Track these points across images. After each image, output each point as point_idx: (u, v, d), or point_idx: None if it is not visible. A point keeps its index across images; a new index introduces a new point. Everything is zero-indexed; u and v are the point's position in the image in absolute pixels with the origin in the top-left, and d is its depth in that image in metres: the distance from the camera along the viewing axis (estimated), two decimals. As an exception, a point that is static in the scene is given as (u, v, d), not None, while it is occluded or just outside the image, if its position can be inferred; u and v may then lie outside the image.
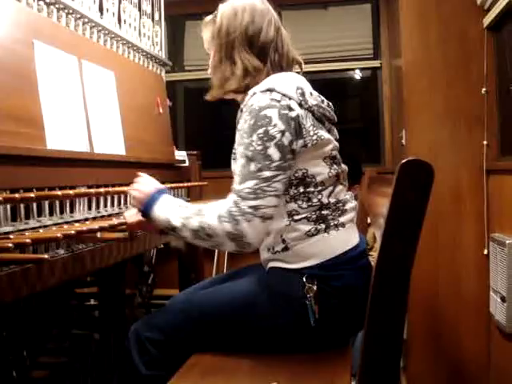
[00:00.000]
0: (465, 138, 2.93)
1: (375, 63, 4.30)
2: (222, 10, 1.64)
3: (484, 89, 2.88)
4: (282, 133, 1.43)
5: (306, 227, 1.51)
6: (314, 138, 1.49)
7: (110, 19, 2.52)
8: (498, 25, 2.79)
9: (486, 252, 2.81)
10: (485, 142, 2.86)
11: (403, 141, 3.13)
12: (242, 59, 1.57)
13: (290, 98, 1.48)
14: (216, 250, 3.94)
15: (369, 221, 2.61)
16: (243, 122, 1.49)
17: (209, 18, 1.69)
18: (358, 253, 1.57)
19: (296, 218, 1.51)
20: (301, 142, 1.47)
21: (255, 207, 1.40)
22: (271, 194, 1.41)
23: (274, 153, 1.42)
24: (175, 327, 1.57)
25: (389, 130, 4.17)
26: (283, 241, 1.52)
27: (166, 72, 3.24)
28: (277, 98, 1.47)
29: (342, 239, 1.54)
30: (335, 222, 1.53)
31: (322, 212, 1.51)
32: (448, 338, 2.95)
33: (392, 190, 1.10)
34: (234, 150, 1.60)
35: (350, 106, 4.83)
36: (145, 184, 1.60)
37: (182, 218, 1.47)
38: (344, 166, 1.63)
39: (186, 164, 3.00)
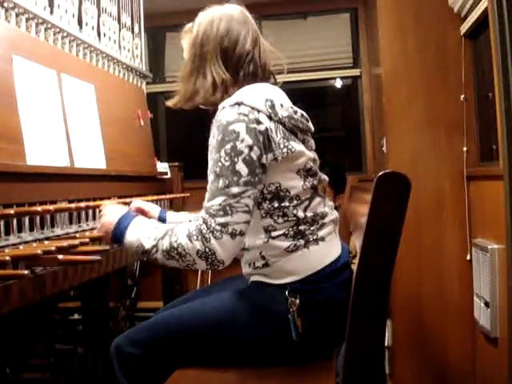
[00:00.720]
0: (445, 144, 2.96)
1: (355, 72, 4.33)
2: (200, 19, 1.62)
3: (462, 96, 2.91)
4: (250, 148, 1.40)
5: (284, 244, 1.49)
6: (284, 150, 1.46)
7: (89, 32, 2.52)
8: (475, 32, 2.82)
9: (468, 257, 2.83)
10: (464, 149, 2.89)
11: (384, 148, 3.16)
12: (212, 73, 1.55)
13: (258, 111, 1.44)
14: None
15: (351, 229, 2.61)
16: (212, 137, 1.47)
17: (188, 25, 1.67)
18: (339, 265, 1.55)
19: (273, 234, 1.49)
20: (270, 155, 1.44)
21: (224, 224, 1.37)
22: (240, 210, 1.39)
23: (241, 168, 1.39)
24: (158, 342, 1.54)
25: (370, 137, 4.19)
26: (263, 257, 1.51)
27: (147, 83, 3.24)
28: (245, 111, 1.44)
29: (323, 254, 1.52)
30: (314, 237, 1.51)
31: (300, 227, 1.49)
32: (433, 343, 2.96)
33: (370, 202, 1.11)
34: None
35: (331, 115, 4.85)
36: (108, 214, 1.57)
37: (153, 239, 1.45)
38: (323, 177, 1.60)
39: (168, 176, 2.99)
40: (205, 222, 1.39)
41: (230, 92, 1.54)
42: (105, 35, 2.69)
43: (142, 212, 1.79)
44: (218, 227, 1.37)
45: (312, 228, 1.51)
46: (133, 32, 3.06)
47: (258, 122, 1.43)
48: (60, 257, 1.40)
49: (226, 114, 1.45)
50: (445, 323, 2.92)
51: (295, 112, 1.53)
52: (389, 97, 3.08)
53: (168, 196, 2.78)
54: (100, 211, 1.63)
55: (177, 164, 3.13)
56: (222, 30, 1.56)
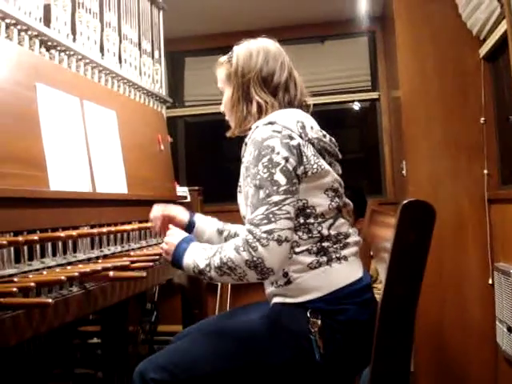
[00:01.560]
0: (465, 167, 2.94)
1: (373, 95, 4.34)
2: (238, 51, 1.71)
3: (482, 118, 2.90)
4: (286, 159, 1.48)
5: (307, 259, 1.51)
6: (315, 166, 1.52)
7: (110, 59, 2.55)
8: (494, 55, 2.82)
9: (490, 282, 2.80)
10: (485, 172, 2.88)
11: (404, 171, 3.15)
12: (256, 98, 1.63)
13: (290, 130, 1.53)
14: (219, 286, 3.92)
15: (371, 253, 2.60)
16: (248, 155, 1.54)
17: (224, 58, 1.75)
18: (361, 286, 1.56)
19: (297, 250, 1.52)
20: (301, 168, 1.50)
21: (269, 231, 1.42)
22: (283, 216, 1.44)
23: (280, 178, 1.46)
24: (180, 366, 1.54)
25: (389, 160, 4.18)
26: (285, 274, 1.52)
27: (167, 108, 3.27)
28: (278, 129, 1.52)
29: (345, 272, 1.54)
30: (337, 255, 1.53)
31: (323, 244, 1.52)
32: (455, 368, 2.92)
33: (394, 231, 1.10)
34: (239, 183, 1.65)
35: (350, 137, 4.85)
36: (173, 235, 1.64)
37: (205, 259, 1.51)
38: (348, 201, 1.64)
39: (188, 200, 3.00)
40: (250, 232, 1.44)
41: (263, 117, 1.61)
42: (126, 61, 2.73)
43: (169, 219, 1.85)
44: (263, 235, 1.42)
45: (335, 246, 1.54)
46: (153, 58, 3.10)
47: (291, 138, 1.51)
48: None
49: (260, 131, 1.53)
50: (467, 348, 2.88)
51: (324, 136, 1.62)
52: (408, 120, 3.08)
53: (188, 220, 2.78)
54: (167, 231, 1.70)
55: (196, 188, 3.14)
56: (260, 61, 1.65)
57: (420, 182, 2.98)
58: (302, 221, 1.52)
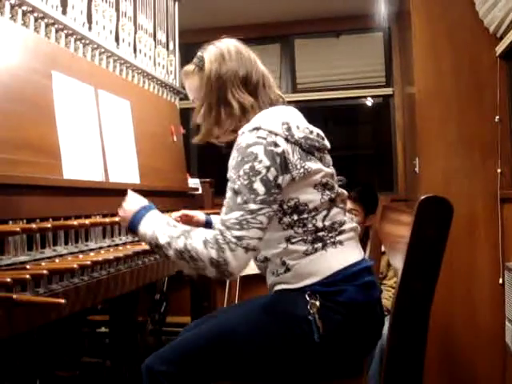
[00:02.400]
0: (478, 166, 2.92)
1: (388, 91, 4.32)
2: (208, 55, 1.66)
3: (497, 117, 2.88)
4: (267, 168, 1.46)
5: (302, 247, 1.53)
6: (301, 170, 1.52)
7: (125, 49, 2.55)
8: (511, 53, 2.79)
9: (501, 281, 2.79)
10: (499, 170, 2.86)
11: (416, 169, 3.13)
12: (237, 99, 1.61)
13: (276, 135, 1.50)
14: (228, 280, 3.92)
15: (383, 249, 2.59)
16: (231, 159, 1.53)
17: (190, 67, 1.71)
18: (359, 269, 1.56)
19: (292, 240, 1.54)
20: (288, 176, 1.50)
21: (239, 237, 1.42)
22: (255, 226, 1.44)
23: (258, 187, 1.45)
24: (187, 359, 1.56)
25: (402, 157, 4.17)
26: (283, 263, 1.55)
27: (180, 99, 3.27)
28: (263, 135, 1.50)
29: (342, 255, 1.55)
30: (332, 240, 1.55)
31: (318, 234, 1.54)
32: (464, 368, 2.91)
33: (411, 226, 1.10)
34: None
35: (363, 133, 4.84)
36: (131, 202, 1.62)
37: (168, 236, 1.49)
38: (341, 190, 1.64)
39: (199, 191, 3.01)
40: (221, 233, 1.44)
41: (249, 117, 1.59)
42: (140, 52, 2.73)
43: (187, 217, 1.89)
44: (233, 239, 1.42)
45: (330, 234, 1.56)
46: (167, 49, 3.10)
47: (276, 145, 1.49)
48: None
49: (245, 138, 1.51)
50: (476, 347, 2.87)
51: (311, 132, 1.59)
52: (422, 117, 3.06)
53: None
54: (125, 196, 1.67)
55: (208, 180, 3.14)
56: (234, 60, 1.63)
57: (433, 180, 2.97)
58: (295, 217, 1.53)
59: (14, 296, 1.19)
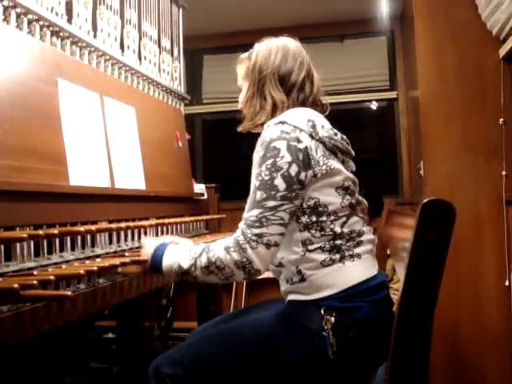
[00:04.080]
0: (483, 168, 2.92)
1: (392, 94, 4.33)
2: (258, 48, 1.73)
3: (501, 119, 2.88)
4: (289, 164, 1.48)
5: (320, 257, 1.53)
6: (324, 167, 1.53)
7: (130, 56, 2.57)
8: (515, 56, 2.80)
9: (507, 283, 2.78)
10: (503, 173, 2.85)
11: (421, 172, 3.13)
12: (271, 95, 1.65)
13: (300, 130, 1.53)
14: (234, 284, 3.94)
15: (388, 252, 2.59)
16: (256, 153, 1.58)
17: (244, 55, 1.79)
18: (375, 284, 1.56)
19: (310, 247, 1.53)
20: (310, 172, 1.51)
21: (259, 235, 1.45)
22: (275, 222, 1.46)
23: (279, 183, 1.47)
24: (195, 362, 1.56)
25: (407, 160, 4.17)
26: (299, 271, 1.54)
27: (185, 105, 3.28)
28: (287, 130, 1.53)
29: (358, 270, 1.54)
30: (350, 253, 1.54)
31: (336, 242, 1.53)
32: (471, 371, 2.90)
33: (414, 229, 1.10)
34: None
35: (367, 137, 4.84)
36: (146, 247, 1.66)
37: (190, 259, 1.53)
38: (362, 199, 1.64)
39: (205, 197, 3.02)
40: (242, 232, 1.47)
41: (276, 115, 1.63)
42: (145, 58, 2.75)
43: None
44: (254, 237, 1.45)
45: (348, 244, 1.55)
46: (172, 55, 3.11)
47: (299, 141, 1.52)
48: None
49: (270, 131, 1.55)
50: (483, 350, 2.86)
51: (335, 134, 1.62)
52: (426, 120, 3.07)
53: (204, 217, 2.80)
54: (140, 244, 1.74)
55: (213, 185, 3.15)
56: (278, 59, 1.67)
57: (438, 183, 2.97)
58: (314, 219, 1.53)
59: (21, 292, 1.20)
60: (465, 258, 2.89)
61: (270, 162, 1.49)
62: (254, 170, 1.54)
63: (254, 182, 1.51)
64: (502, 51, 2.87)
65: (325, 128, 1.59)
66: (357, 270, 1.54)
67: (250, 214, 1.48)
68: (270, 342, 1.54)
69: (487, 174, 2.90)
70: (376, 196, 3.11)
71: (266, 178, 1.48)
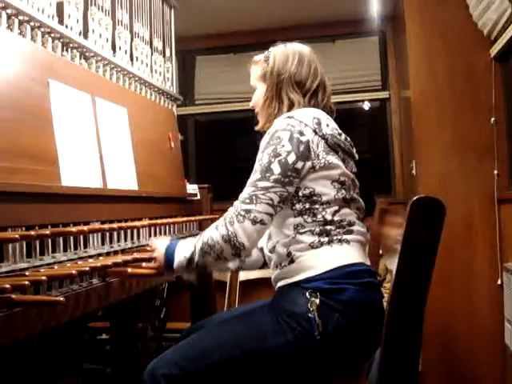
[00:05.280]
0: (475, 167, 2.94)
1: (384, 94, 4.34)
2: (275, 52, 1.80)
3: (493, 118, 2.90)
4: (288, 153, 1.58)
5: (309, 239, 1.59)
6: (322, 161, 1.61)
7: (122, 56, 2.57)
8: (505, 55, 2.81)
9: (499, 282, 2.80)
10: (495, 172, 2.87)
11: (413, 171, 3.14)
12: (289, 96, 1.73)
13: (305, 125, 1.62)
14: (227, 284, 3.94)
15: (380, 252, 2.60)
16: (262, 141, 1.66)
17: (260, 56, 1.85)
18: (362, 269, 1.60)
19: (301, 231, 1.60)
20: (309, 163, 1.59)
21: (247, 210, 1.55)
22: (264, 201, 1.55)
23: (275, 167, 1.57)
24: (189, 359, 1.58)
25: (399, 160, 4.18)
26: (289, 254, 1.61)
27: (177, 106, 3.28)
28: (293, 123, 1.62)
29: (345, 253, 1.59)
30: (339, 237, 1.60)
31: (326, 227, 1.60)
32: (463, 368, 2.92)
33: (404, 227, 1.11)
34: None
35: (360, 137, 4.84)
36: (157, 249, 1.71)
37: (191, 247, 1.62)
38: (358, 198, 1.69)
39: (198, 197, 3.02)
40: (235, 206, 1.58)
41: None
42: (137, 59, 2.75)
43: None
44: (242, 212, 1.55)
45: (338, 230, 1.61)
46: (164, 56, 3.11)
47: (302, 134, 1.61)
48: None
49: (277, 123, 1.66)
50: (475, 348, 2.88)
51: (340, 134, 1.69)
52: (418, 119, 3.08)
53: (197, 217, 2.80)
54: (150, 247, 1.80)
55: (206, 186, 3.15)
56: (295, 65, 1.75)
57: (430, 182, 2.98)
58: (307, 206, 1.60)
59: (14, 296, 1.20)
60: (457, 256, 2.90)
61: (271, 148, 1.59)
62: (258, 155, 1.63)
63: (255, 166, 1.61)
64: (493, 51, 2.88)
65: (329, 127, 1.67)
66: (343, 254, 1.59)
67: (244, 191, 1.59)
68: (259, 330, 1.57)
69: (479, 173, 2.92)
70: (368, 195, 3.12)
71: (265, 161, 1.58)
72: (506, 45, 2.68)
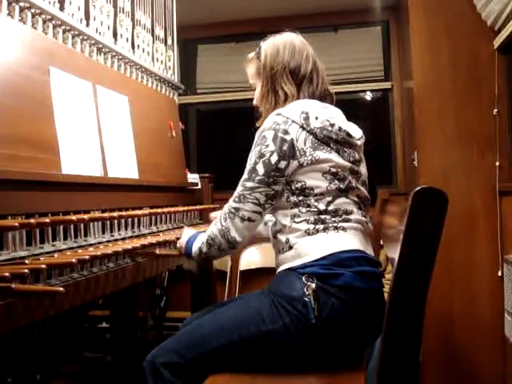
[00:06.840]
0: (477, 159, 2.93)
1: (386, 85, 4.31)
2: (265, 47, 1.81)
3: (495, 110, 2.88)
4: (271, 153, 1.61)
5: (305, 226, 1.62)
6: (310, 158, 1.62)
7: (123, 44, 2.56)
8: (509, 46, 2.80)
9: (500, 274, 2.79)
10: (497, 164, 2.86)
11: (415, 162, 3.14)
12: (283, 89, 1.75)
13: (292, 121, 1.63)
14: (228, 273, 3.94)
15: (381, 242, 2.60)
16: (254, 140, 1.70)
17: (251, 55, 1.87)
18: (358, 256, 1.60)
19: (296, 220, 1.64)
20: (295, 162, 1.62)
21: (236, 209, 1.65)
22: (250, 201, 1.64)
23: (259, 168, 1.63)
24: (188, 347, 1.60)
25: (401, 151, 4.17)
26: (287, 241, 1.65)
27: (179, 95, 3.27)
28: (279, 121, 1.64)
29: (341, 240, 1.60)
30: (335, 225, 1.62)
31: (321, 216, 1.62)
32: (463, 360, 2.92)
33: (406, 217, 1.10)
34: None
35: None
36: (184, 235, 1.84)
37: (202, 239, 1.73)
38: (359, 186, 1.70)
39: (199, 186, 3.01)
40: (228, 203, 1.68)
41: (286, 106, 1.72)
42: (139, 47, 2.73)
43: None
44: (232, 210, 1.66)
45: (334, 219, 1.63)
46: (166, 44, 3.10)
47: (286, 133, 1.62)
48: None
49: (267, 121, 1.68)
50: (475, 340, 2.88)
51: (331, 125, 1.67)
52: (420, 110, 3.07)
53: (198, 207, 2.79)
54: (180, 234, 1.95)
55: (207, 175, 3.14)
56: (287, 55, 1.77)
57: (431, 173, 2.97)
58: (301, 198, 1.64)
59: (13, 285, 1.20)
60: (458, 248, 2.89)
61: (257, 148, 1.64)
62: (249, 154, 1.68)
63: (246, 165, 1.67)
64: (497, 42, 2.87)
65: (319, 119, 1.65)
66: (339, 240, 1.60)
67: (236, 190, 1.67)
68: (257, 314, 1.59)
69: (481, 165, 2.91)
70: (370, 186, 3.11)
71: (252, 161, 1.65)
72: (509, 36, 2.66)
